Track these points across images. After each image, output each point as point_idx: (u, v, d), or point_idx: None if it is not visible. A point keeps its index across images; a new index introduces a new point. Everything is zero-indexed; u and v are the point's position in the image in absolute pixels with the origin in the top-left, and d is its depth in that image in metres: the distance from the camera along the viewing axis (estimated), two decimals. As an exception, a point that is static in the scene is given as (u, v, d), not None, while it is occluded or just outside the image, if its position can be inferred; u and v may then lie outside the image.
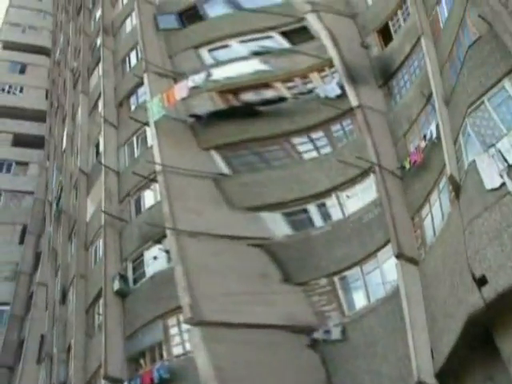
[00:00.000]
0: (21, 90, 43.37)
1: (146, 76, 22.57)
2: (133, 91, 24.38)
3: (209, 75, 21.06)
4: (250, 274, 17.58)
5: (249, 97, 21.27)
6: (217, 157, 20.36)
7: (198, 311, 16.37)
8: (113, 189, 21.69)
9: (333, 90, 20.39)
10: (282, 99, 21.03)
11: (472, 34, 15.34)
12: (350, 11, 22.91)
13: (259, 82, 21.27)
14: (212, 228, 18.26)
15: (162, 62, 23.23)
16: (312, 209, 19.02)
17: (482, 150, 13.96)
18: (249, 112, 20.79)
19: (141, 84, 23.29)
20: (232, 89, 21.27)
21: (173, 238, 17.96)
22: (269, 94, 21.23)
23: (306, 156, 20.12)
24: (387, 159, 18.03)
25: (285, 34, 22.81)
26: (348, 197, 18.80)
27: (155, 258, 19.18)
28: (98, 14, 30.63)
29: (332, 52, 20.91)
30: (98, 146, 24.98)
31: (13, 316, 31.48)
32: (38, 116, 41.01)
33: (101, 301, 19.79)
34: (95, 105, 26.94)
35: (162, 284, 18.31)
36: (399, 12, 21.04)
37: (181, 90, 20.90)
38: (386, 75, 20.33)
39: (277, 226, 18.82)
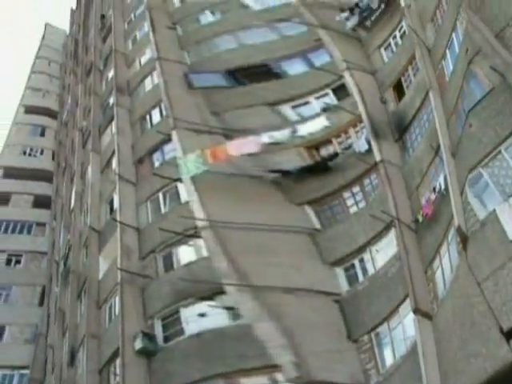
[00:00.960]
0: (41, 153, 44.14)
1: (174, 133, 22.90)
2: (156, 148, 24.68)
3: (294, 131, 21.76)
4: (332, 330, 17.74)
5: (323, 152, 22.23)
6: (310, 211, 21.04)
7: (305, 369, 15.99)
8: (131, 245, 21.54)
9: (363, 145, 20.99)
10: (336, 154, 21.87)
11: (485, 86, 15.49)
12: (372, 68, 23.71)
13: (325, 138, 22.40)
14: (309, 284, 18.47)
15: (202, 118, 23.60)
16: (356, 264, 19.40)
17: (502, 199, 13.87)
18: (323, 167, 21.62)
19: (167, 140, 23.65)
20: (314, 144, 22.34)
21: (250, 293, 17.62)
22: (330, 149, 22.26)
23: (351, 210, 20.79)
24: (404, 213, 18.11)
25: (334, 91, 23.93)
26: (377, 251, 19.04)
27: (202, 315, 18.70)
28: (111, 74, 31.50)
29: (361, 108, 21.46)
30: (111, 203, 25.09)
31: (32, 380, 30.88)
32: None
33: (118, 360, 19.30)
34: (108, 162, 27.18)
35: (217, 342, 17.80)
36: (410, 67, 21.69)
37: (246, 145, 21.29)
38: (400, 129, 20.68)
39: (341, 281, 19.22)
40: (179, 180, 21.57)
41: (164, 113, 25.07)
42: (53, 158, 43.21)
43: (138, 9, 33.49)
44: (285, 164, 21.75)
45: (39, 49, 53.52)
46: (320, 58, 25.11)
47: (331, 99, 23.72)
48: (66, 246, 28.86)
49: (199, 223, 19.63)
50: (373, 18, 24.54)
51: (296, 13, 26.95)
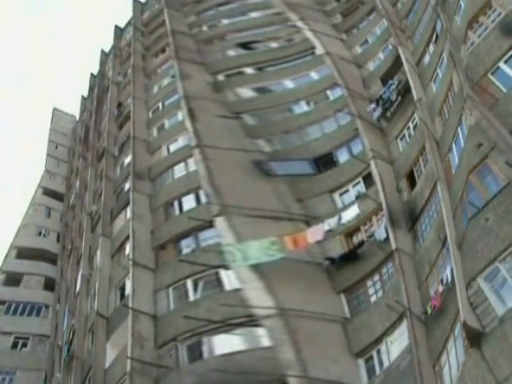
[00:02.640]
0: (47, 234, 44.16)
1: (221, 219, 23.36)
2: (187, 234, 24.71)
3: (340, 219, 22.45)
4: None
5: (355, 239, 22.83)
6: (343, 300, 21.32)
7: None
8: (145, 333, 21.09)
9: (382, 233, 21.32)
10: (363, 242, 22.22)
11: (501, 180, 15.73)
12: (391, 157, 24.45)
13: (356, 226, 23.06)
14: (340, 377, 18.52)
15: (285, 206, 24.47)
16: (375, 355, 19.33)
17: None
18: (354, 255, 22.01)
19: (204, 227, 24.00)
20: (350, 232, 23.02)
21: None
22: (359, 236, 22.82)
23: (372, 299, 20.87)
24: (415, 303, 18.14)
25: (364, 179, 24.73)
26: (391, 342, 18.98)
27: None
28: (127, 160, 32.12)
29: (381, 196, 21.98)
30: (123, 288, 24.76)
31: None
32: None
33: None
34: (120, 247, 27.00)
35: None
36: (420, 158, 22.30)
37: (316, 233, 22.04)
38: (412, 219, 21.00)
39: (362, 373, 19.30)
40: (223, 267, 21.67)
41: (203, 199, 25.63)
42: (58, 240, 43.45)
43: (170, 98, 34.23)
44: (331, 251, 22.32)
45: (49, 132, 54.64)
46: (356, 147, 26.23)
47: (361, 187, 24.58)
48: (69, 331, 28.30)
49: (260, 311, 19.43)
50: (392, 110, 25.77)
51: (345, 103, 28.12)
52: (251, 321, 19.60)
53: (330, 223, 22.38)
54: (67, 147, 53.02)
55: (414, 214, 20.87)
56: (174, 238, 24.92)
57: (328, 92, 30.21)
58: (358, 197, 23.83)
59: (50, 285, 39.25)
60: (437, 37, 25.10)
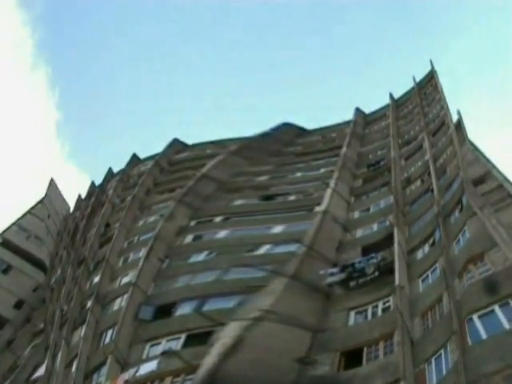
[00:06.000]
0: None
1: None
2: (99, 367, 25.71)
3: (137, 371, 23.38)
4: None
5: None
6: None
7: None
8: None
9: None
10: None
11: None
12: (317, 325, 23.65)
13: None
14: None
15: None
16: None
17: None
18: None
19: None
20: None
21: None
22: None
23: None
24: None
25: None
26: None
27: None
28: (96, 279, 33.58)
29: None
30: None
31: None
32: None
33: None
34: (71, 363, 27.89)
35: None
36: (381, 343, 21.38)
37: (121, 380, 22.89)
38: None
39: None
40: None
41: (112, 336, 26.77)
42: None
43: (145, 235, 35.98)
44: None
45: (44, 197, 54.01)
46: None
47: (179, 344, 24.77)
48: None
49: None
50: (360, 282, 25.27)
51: (278, 260, 28.04)
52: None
53: (130, 373, 22.88)
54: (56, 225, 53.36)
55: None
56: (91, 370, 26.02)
57: (274, 245, 30.70)
58: (164, 353, 23.99)
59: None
60: (434, 242, 25.73)
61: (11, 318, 42.38)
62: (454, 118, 39.06)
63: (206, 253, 32.03)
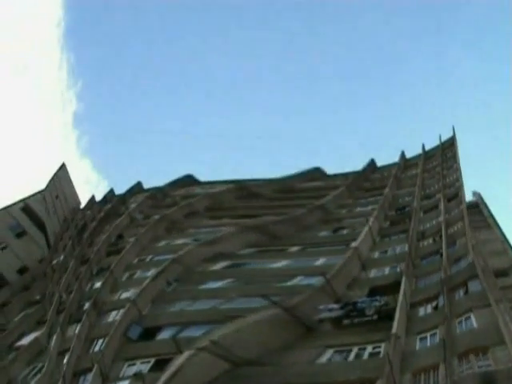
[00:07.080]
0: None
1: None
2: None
3: None
4: None
5: None
6: None
7: None
8: None
9: None
10: None
11: None
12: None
13: None
14: None
15: None
16: None
17: None
18: None
19: None
20: None
21: None
22: None
23: None
24: None
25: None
26: None
27: None
28: (97, 285, 35.13)
29: None
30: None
31: None
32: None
33: None
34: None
35: None
36: None
37: None
38: None
39: None
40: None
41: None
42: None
43: (163, 255, 37.36)
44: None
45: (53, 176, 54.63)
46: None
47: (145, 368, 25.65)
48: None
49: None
50: (355, 321, 25.18)
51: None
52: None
53: None
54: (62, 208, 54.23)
55: None
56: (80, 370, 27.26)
57: (304, 277, 31.58)
58: (136, 374, 24.77)
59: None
60: (437, 306, 25.49)
61: (12, 281, 44.20)
62: (477, 187, 42.29)
63: (228, 280, 33.13)
